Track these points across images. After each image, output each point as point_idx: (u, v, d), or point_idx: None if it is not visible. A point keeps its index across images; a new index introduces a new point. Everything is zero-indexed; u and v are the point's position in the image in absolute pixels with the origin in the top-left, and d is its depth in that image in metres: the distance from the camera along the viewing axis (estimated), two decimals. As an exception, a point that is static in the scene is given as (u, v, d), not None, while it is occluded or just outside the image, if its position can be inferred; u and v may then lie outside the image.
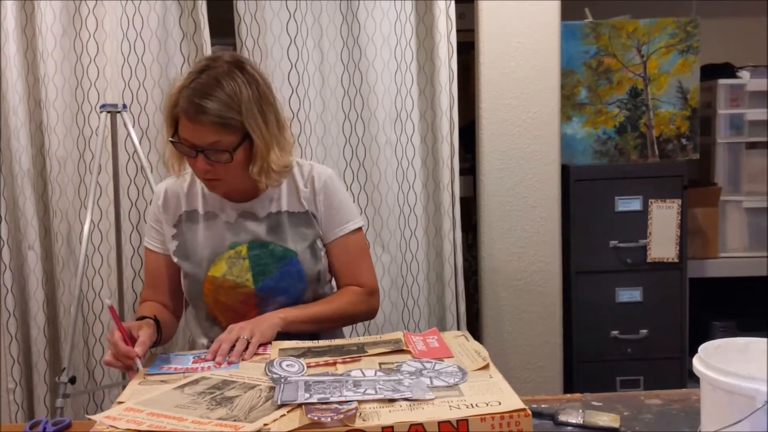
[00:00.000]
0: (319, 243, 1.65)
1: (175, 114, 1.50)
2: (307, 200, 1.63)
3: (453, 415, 1.03)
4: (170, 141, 1.53)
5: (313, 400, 1.11)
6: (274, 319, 1.51)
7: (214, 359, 1.38)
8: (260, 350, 1.45)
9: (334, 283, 1.73)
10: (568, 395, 1.36)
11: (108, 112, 2.21)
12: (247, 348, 1.40)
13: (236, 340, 1.41)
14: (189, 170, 1.64)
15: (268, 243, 1.60)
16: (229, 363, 1.36)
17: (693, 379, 1.15)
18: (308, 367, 1.31)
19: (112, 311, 1.41)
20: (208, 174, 1.52)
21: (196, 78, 1.48)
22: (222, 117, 1.46)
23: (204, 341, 1.66)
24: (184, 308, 1.73)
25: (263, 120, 1.52)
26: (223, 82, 1.48)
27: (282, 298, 1.60)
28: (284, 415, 1.07)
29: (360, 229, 1.68)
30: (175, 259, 1.63)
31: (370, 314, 1.70)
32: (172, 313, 1.68)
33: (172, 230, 1.64)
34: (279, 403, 1.11)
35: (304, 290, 1.61)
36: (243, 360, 1.38)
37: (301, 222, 1.63)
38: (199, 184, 1.64)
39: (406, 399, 1.10)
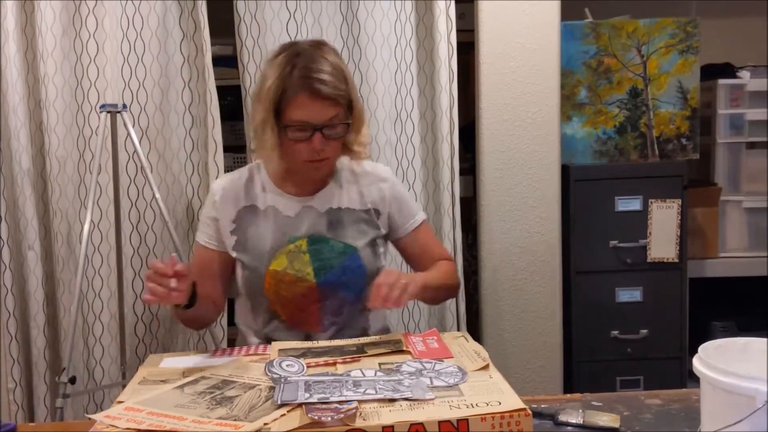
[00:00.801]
0: (379, 241, 1.67)
1: (284, 99, 1.50)
2: (370, 198, 1.66)
3: (453, 414, 1.03)
4: (282, 128, 1.52)
5: (313, 400, 1.11)
6: (417, 278, 1.55)
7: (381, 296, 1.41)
8: (260, 350, 1.45)
9: None
10: (568, 395, 1.36)
11: (108, 112, 2.21)
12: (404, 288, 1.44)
13: (394, 285, 1.43)
14: (245, 168, 1.68)
15: (328, 239, 1.61)
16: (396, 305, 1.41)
17: (693, 379, 1.15)
18: (308, 367, 1.31)
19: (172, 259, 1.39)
20: (321, 153, 1.54)
21: (296, 61, 1.50)
22: (338, 89, 1.50)
23: (256, 341, 1.65)
24: (224, 308, 1.75)
25: (356, 90, 1.61)
26: (325, 56, 1.52)
27: (344, 293, 1.61)
28: (284, 414, 1.07)
29: (425, 218, 1.76)
30: (234, 254, 1.63)
31: (458, 287, 1.81)
32: (216, 309, 1.69)
33: (230, 225, 1.64)
34: (279, 402, 1.11)
35: (365, 286, 1.60)
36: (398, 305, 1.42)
37: (361, 219, 1.65)
38: (258, 179, 1.65)
39: (406, 399, 1.10)
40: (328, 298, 1.60)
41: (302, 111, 1.49)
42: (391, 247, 1.77)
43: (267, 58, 1.60)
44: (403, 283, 1.44)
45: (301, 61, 1.50)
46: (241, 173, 1.68)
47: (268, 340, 1.61)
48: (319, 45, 1.56)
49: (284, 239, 1.61)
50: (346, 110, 1.55)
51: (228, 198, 1.65)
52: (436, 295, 1.70)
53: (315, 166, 1.58)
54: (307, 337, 1.59)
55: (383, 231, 1.68)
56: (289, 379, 1.22)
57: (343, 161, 1.69)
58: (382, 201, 1.67)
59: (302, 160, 1.56)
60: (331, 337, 1.58)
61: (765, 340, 1.06)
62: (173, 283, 1.35)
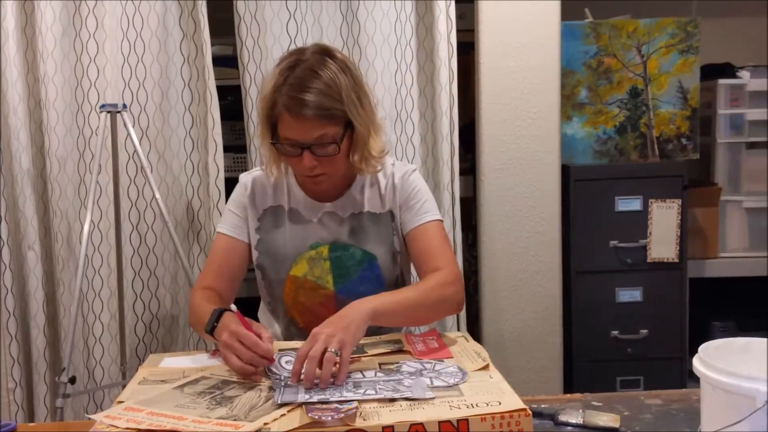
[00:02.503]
0: (397, 245, 1.62)
1: (273, 115, 1.47)
2: (388, 198, 1.61)
3: (453, 414, 1.03)
4: (271, 144, 1.50)
5: (313, 400, 1.11)
6: (362, 313, 1.33)
7: (297, 381, 1.19)
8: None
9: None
10: (568, 395, 1.36)
11: (108, 112, 2.21)
12: (338, 368, 1.20)
13: (322, 354, 1.20)
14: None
15: (348, 246, 1.58)
16: (320, 385, 1.17)
17: (693, 379, 1.15)
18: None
19: (239, 316, 1.35)
20: (314, 170, 1.49)
21: (289, 74, 1.45)
22: (325, 108, 1.43)
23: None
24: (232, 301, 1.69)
25: (361, 106, 1.50)
26: (319, 73, 1.44)
27: None
28: (284, 414, 1.07)
29: (440, 222, 1.62)
30: (256, 254, 1.61)
31: (458, 303, 1.53)
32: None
33: (256, 223, 1.62)
34: (279, 403, 1.11)
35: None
36: (333, 383, 1.18)
37: (382, 222, 1.61)
38: (286, 180, 1.62)
39: (406, 399, 1.10)
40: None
41: (289, 130, 1.46)
42: None
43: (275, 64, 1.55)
44: (333, 353, 1.20)
45: (293, 76, 1.44)
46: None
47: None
48: (322, 56, 1.48)
49: (306, 244, 1.59)
50: (342, 126, 1.48)
51: (257, 193, 1.63)
52: (405, 319, 1.48)
53: (312, 181, 1.54)
54: None
55: (399, 234, 1.63)
56: (288, 380, 1.22)
57: None
58: (394, 201, 1.62)
59: (300, 175, 1.55)
60: None
61: (765, 340, 1.06)
62: (262, 365, 1.28)
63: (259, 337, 1.30)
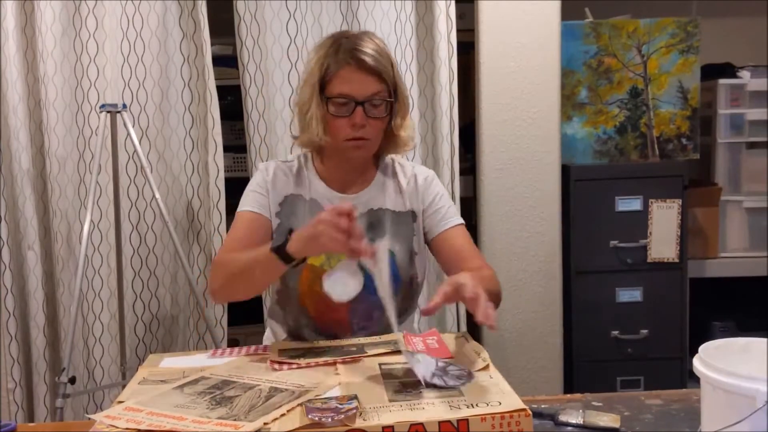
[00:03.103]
0: (416, 246, 1.62)
1: (328, 74, 1.50)
2: (410, 198, 1.63)
3: (453, 415, 1.03)
4: (327, 100, 1.51)
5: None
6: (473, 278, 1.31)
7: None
8: (260, 350, 1.45)
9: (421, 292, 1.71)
10: (568, 395, 1.36)
11: (108, 112, 2.21)
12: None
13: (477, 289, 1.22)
14: (294, 156, 1.66)
15: (367, 239, 1.59)
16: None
17: (693, 379, 1.15)
18: (308, 367, 1.31)
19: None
20: (360, 131, 1.51)
21: (341, 41, 1.51)
22: (382, 65, 1.50)
23: (284, 336, 1.64)
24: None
25: (404, 82, 1.58)
26: (372, 38, 1.53)
27: (374, 297, 1.57)
28: (284, 414, 1.07)
29: (464, 225, 1.65)
30: (275, 238, 1.61)
31: (500, 298, 1.56)
32: None
33: (276, 207, 1.62)
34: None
35: (396, 291, 1.57)
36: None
37: (402, 221, 1.62)
38: (306, 170, 1.63)
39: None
40: (359, 302, 1.57)
41: (345, 84, 1.49)
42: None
43: (314, 46, 1.61)
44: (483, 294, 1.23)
45: (346, 40, 1.52)
46: (292, 161, 1.66)
47: (297, 338, 1.60)
48: (366, 32, 1.59)
49: None
50: (390, 91, 1.53)
51: (279, 179, 1.63)
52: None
53: (355, 145, 1.54)
54: (335, 339, 1.57)
55: (420, 234, 1.64)
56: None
57: (388, 161, 1.67)
58: (418, 202, 1.63)
59: (343, 138, 1.54)
60: None
61: (765, 340, 1.06)
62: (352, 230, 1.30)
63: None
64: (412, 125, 1.63)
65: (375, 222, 1.60)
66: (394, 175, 1.65)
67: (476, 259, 1.60)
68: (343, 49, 1.49)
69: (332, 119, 1.52)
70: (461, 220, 1.65)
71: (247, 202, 1.63)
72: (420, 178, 1.64)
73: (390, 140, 1.61)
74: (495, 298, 1.51)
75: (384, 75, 1.50)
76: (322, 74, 1.51)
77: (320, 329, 1.58)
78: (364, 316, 1.58)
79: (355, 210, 1.34)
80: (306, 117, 1.56)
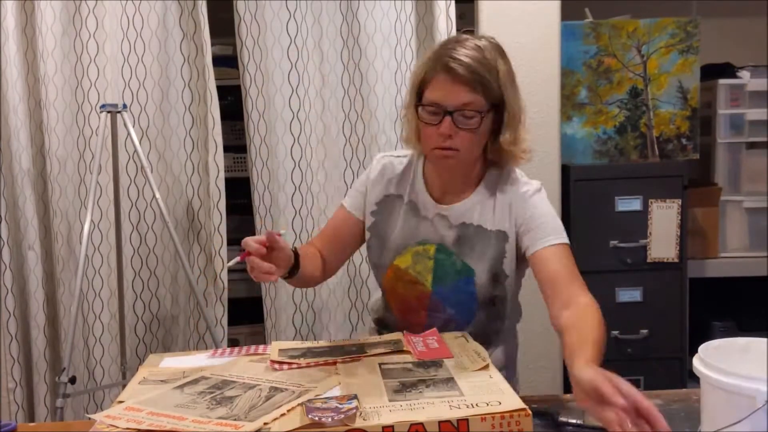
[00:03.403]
0: (506, 268, 1.55)
1: (425, 79, 1.48)
2: (506, 216, 1.54)
3: (453, 414, 1.03)
4: (415, 105, 1.50)
5: None
6: (605, 374, 1.06)
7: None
8: (260, 350, 1.45)
9: (510, 311, 1.65)
10: (568, 395, 1.35)
11: (108, 112, 2.21)
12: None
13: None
14: (407, 154, 1.64)
15: (452, 252, 1.56)
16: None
17: (693, 379, 1.15)
18: (308, 367, 1.31)
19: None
20: (447, 141, 1.46)
21: (450, 45, 1.47)
22: (481, 76, 1.43)
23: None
24: (334, 273, 1.71)
25: (515, 90, 1.51)
26: (481, 47, 1.47)
27: (453, 311, 1.57)
28: (284, 414, 1.07)
29: (567, 246, 1.50)
30: (368, 235, 1.63)
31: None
32: (323, 270, 1.64)
33: (373, 206, 1.62)
34: None
35: (476, 310, 1.57)
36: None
37: (492, 241, 1.54)
38: (413, 171, 1.62)
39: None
40: (437, 310, 1.57)
41: (436, 92, 1.45)
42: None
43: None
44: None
45: (454, 46, 1.47)
46: (404, 157, 1.65)
47: (384, 326, 1.64)
48: (485, 40, 1.51)
49: (415, 238, 1.58)
50: (489, 103, 1.46)
51: (384, 178, 1.63)
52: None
53: (442, 155, 1.48)
54: None
55: (512, 255, 1.55)
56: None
57: (496, 174, 1.58)
58: (510, 221, 1.54)
59: (431, 147, 1.50)
60: None
61: (765, 340, 1.06)
62: (266, 266, 1.31)
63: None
64: (525, 140, 1.56)
65: (463, 237, 1.56)
66: (500, 190, 1.57)
67: (572, 287, 1.45)
68: (443, 55, 1.45)
69: (423, 126, 1.49)
70: (563, 240, 1.51)
71: (348, 197, 1.68)
72: (522, 191, 1.55)
73: (499, 154, 1.54)
74: (602, 340, 1.32)
75: (479, 86, 1.44)
76: (420, 80, 1.49)
77: (401, 328, 1.57)
78: (441, 326, 1.55)
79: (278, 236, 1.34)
80: (406, 122, 1.56)
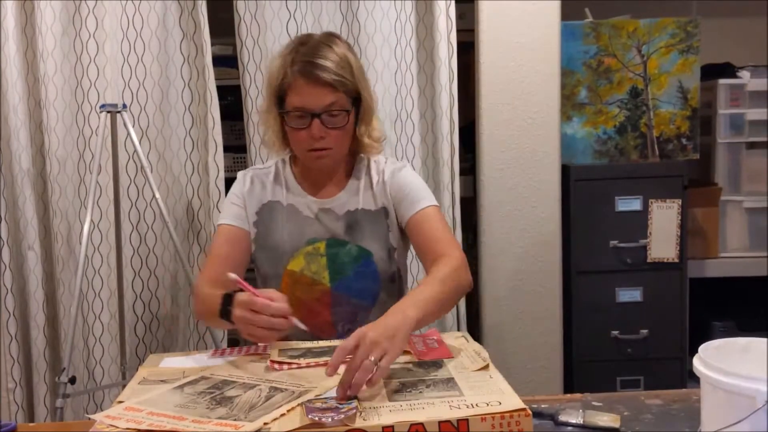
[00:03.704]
0: (393, 242, 1.63)
1: (283, 85, 1.50)
2: (380, 195, 1.63)
3: (453, 414, 1.03)
4: (279, 113, 1.52)
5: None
6: (407, 326, 1.25)
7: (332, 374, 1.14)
8: (260, 350, 1.45)
9: (407, 286, 1.72)
10: (568, 395, 1.36)
11: (108, 112, 2.21)
12: (374, 376, 1.14)
13: (361, 361, 1.13)
14: (273, 161, 1.67)
15: (345, 242, 1.60)
16: (350, 392, 1.11)
17: (693, 379, 1.15)
18: (308, 367, 1.31)
19: (241, 283, 1.34)
20: (320, 142, 1.51)
21: (299, 48, 1.51)
22: (339, 75, 1.48)
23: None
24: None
25: (367, 84, 1.57)
26: (332, 46, 1.51)
27: (357, 300, 1.59)
28: (284, 414, 1.07)
29: (436, 207, 1.60)
30: (254, 247, 1.63)
31: (469, 284, 1.51)
32: None
33: (254, 216, 1.63)
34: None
35: (378, 291, 1.60)
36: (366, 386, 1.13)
37: (376, 219, 1.62)
38: (284, 176, 1.64)
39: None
40: (341, 304, 1.58)
41: (299, 97, 1.49)
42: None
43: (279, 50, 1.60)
44: (372, 362, 1.13)
45: (303, 48, 1.51)
46: (269, 167, 1.68)
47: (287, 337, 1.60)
48: (329, 36, 1.57)
49: (303, 240, 1.60)
50: (350, 100, 1.53)
51: (255, 188, 1.65)
52: (439, 313, 1.44)
53: (317, 155, 1.55)
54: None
55: (395, 228, 1.64)
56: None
57: (363, 160, 1.67)
58: (386, 197, 1.63)
59: (304, 150, 1.55)
60: None
61: (765, 340, 1.06)
62: (296, 320, 1.31)
63: (270, 299, 1.32)
64: (379, 127, 1.63)
65: (353, 223, 1.61)
66: (368, 174, 1.65)
67: (438, 246, 1.52)
68: (298, 59, 1.49)
69: (292, 131, 1.53)
70: (431, 202, 1.60)
71: (226, 214, 1.65)
72: (387, 172, 1.64)
73: (359, 144, 1.62)
74: (450, 300, 1.46)
75: (340, 85, 1.49)
76: (279, 85, 1.51)
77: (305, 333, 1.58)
78: (348, 318, 1.58)
79: (278, 302, 1.32)
80: (267, 127, 1.58)
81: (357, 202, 1.63)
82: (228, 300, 1.39)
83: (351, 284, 1.57)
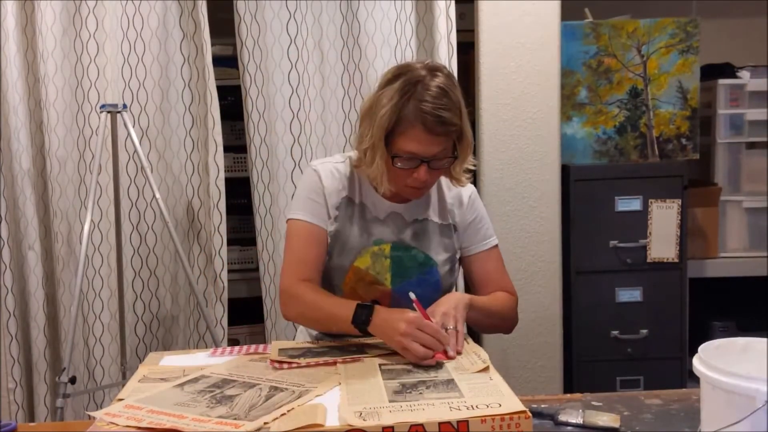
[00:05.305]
0: (456, 257, 1.67)
1: (398, 128, 1.47)
2: (451, 213, 1.66)
3: (453, 416, 1.03)
4: (392, 155, 1.49)
5: None
6: (463, 300, 1.49)
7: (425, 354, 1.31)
8: (261, 349, 1.45)
9: None
10: (568, 395, 1.36)
11: (108, 112, 2.21)
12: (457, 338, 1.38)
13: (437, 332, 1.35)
14: (342, 156, 1.66)
15: (411, 248, 1.61)
16: (449, 357, 1.32)
17: (693, 379, 1.15)
18: (308, 366, 1.31)
19: (417, 304, 1.42)
20: (426, 183, 1.53)
21: (414, 90, 1.45)
22: (453, 125, 1.47)
23: (314, 333, 1.65)
24: None
25: (467, 120, 1.54)
26: (447, 90, 1.47)
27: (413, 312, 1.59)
28: (284, 414, 1.07)
29: (498, 247, 1.71)
30: (329, 240, 1.61)
31: (515, 323, 1.69)
32: None
33: (335, 211, 1.61)
34: None
35: (435, 300, 1.57)
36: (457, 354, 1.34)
37: (445, 233, 1.64)
38: (357, 175, 1.63)
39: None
40: (400, 306, 1.58)
41: (414, 144, 1.46)
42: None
43: (382, 78, 1.54)
44: (453, 330, 1.39)
45: (419, 91, 1.45)
46: (343, 162, 1.65)
47: (330, 337, 1.60)
48: (435, 73, 1.49)
49: (371, 239, 1.60)
50: (455, 142, 1.52)
51: (336, 182, 1.62)
52: (483, 320, 1.58)
53: (414, 193, 1.57)
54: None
55: (458, 248, 1.67)
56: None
57: None
58: (459, 216, 1.66)
59: (402, 185, 1.55)
60: None
61: (765, 340, 1.06)
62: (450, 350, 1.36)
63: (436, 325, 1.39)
64: (472, 160, 1.60)
65: (420, 232, 1.63)
66: (439, 188, 1.66)
67: (502, 283, 1.68)
68: (415, 105, 1.44)
69: (395, 169, 1.52)
70: (496, 241, 1.71)
71: (303, 210, 1.61)
72: (465, 195, 1.67)
73: (450, 176, 1.61)
74: (500, 319, 1.64)
75: (453, 134, 1.49)
76: (392, 123, 1.47)
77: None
78: None
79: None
80: (370, 162, 1.53)
81: (427, 212, 1.64)
82: (369, 310, 1.43)
83: (413, 289, 1.56)
